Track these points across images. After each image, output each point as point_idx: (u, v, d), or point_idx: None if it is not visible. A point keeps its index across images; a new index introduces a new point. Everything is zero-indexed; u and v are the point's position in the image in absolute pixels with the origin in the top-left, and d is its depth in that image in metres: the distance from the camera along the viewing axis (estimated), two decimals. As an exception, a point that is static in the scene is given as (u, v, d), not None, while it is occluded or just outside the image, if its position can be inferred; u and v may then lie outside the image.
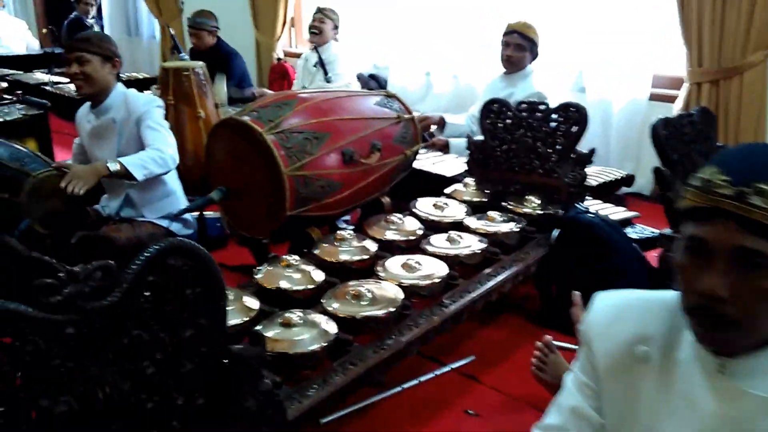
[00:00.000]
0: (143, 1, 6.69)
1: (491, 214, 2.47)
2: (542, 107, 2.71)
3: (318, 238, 2.46)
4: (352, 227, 3.00)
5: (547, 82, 3.55)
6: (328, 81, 3.90)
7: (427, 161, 3.25)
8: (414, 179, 3.02)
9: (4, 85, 5.36)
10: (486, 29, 4.40)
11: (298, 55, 5.62)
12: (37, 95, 5.81)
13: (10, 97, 5.29)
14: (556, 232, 2.45)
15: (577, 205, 2.58)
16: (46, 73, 6.14)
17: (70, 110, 5.49)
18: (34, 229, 2.40)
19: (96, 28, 6.58)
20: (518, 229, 2.42)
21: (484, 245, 2.27)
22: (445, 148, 3.55)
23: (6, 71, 6.68)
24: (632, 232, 2.79)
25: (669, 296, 1.12)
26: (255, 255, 2.78)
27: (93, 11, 6.92)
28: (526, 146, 2.75)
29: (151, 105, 2.79)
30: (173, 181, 2.96)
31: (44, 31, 7.49)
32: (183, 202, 3.03)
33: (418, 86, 4.90)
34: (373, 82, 4.95)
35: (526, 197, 2.63)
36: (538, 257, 2.39)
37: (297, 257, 2.06)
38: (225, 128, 2.48)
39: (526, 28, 3.40)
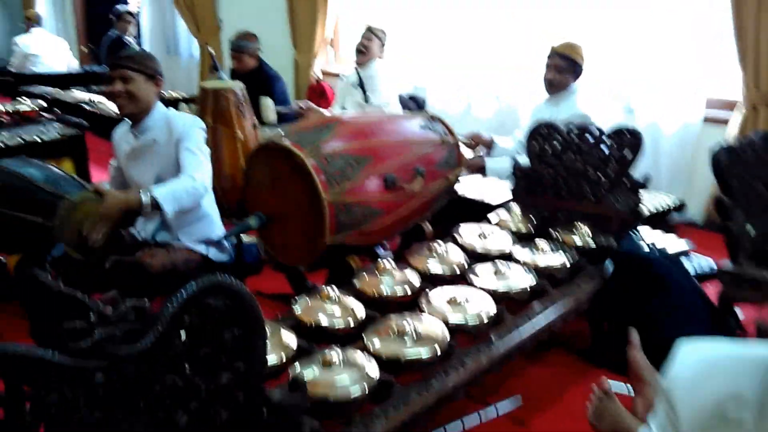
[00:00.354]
0: (182, 20, 6.75)
1: (539, 243, 2.35)
2: (594, 131, 2.60)
3: (357, 268, 2.38)
4: (390, 253, 2.90)
5: (594, 103, 3.42)
6: (366, 101, 3.84)
7: (469, 186, 3.14)
8: (455, 204, 2.91)
9: (43, 103, 5.43)
10: (529, 50, 4.30)
11: (336, 75, 5.60)
12: (76, 114, 5.88)
13: (48, 116, 5.35)
14: (609, 265, 2.32)
15: (632, 235, 2.45)
16: (85, 92, 6.22)
17: (108, 129, 5.53)
18: (68, 255, 2.35)
19: (135, 47, 6.66)
20: (569, 262, 2.30)
21: (533, 279, 2.15)
22: (481, 170, 3.44)
23: (46, 89, 6.79)
24: (688, 265, 2.64)
25: (764, 351, 1.00)
26: (292, 283, 2.71)
27: (132, 29, 7.01)
28: (576, 171, 2.63)
29: (193, 126, 2.74)
30: (209, 205, 2.91)
31: (84, 49, 7.61)
32: (219, 225, 2.97)
33: (458, 108, 4.81)
34: (412, 103, 4.87)
35: (576, 226, 2.50)
36: (590, 291, 2.26)
37: (336, 289, 1.97)
38: (264, 152, 2.42)
39: (568, 48, 3.30)
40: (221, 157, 3.61)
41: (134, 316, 1.07)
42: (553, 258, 2.31)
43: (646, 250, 2.51)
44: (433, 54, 4.99)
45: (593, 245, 2.44)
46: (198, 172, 2.63)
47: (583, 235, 2.48)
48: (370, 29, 4.38)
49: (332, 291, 1.95)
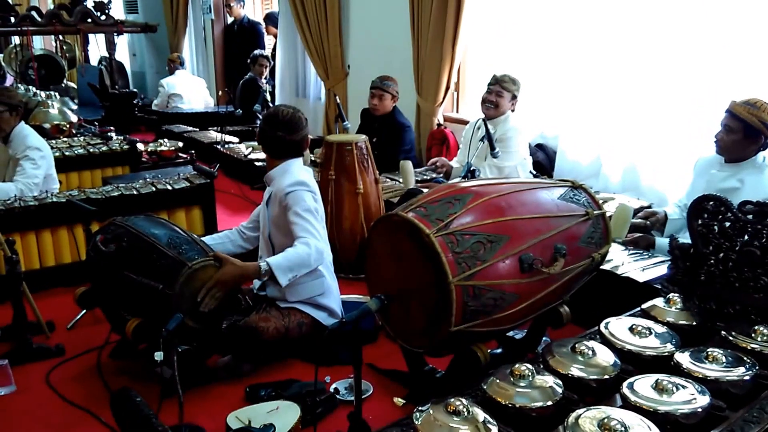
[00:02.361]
0: (312, 65, 6.73)
1: (712, 351, 1.87)
2: (775, 211, 2.09)
3: (485, 360, 2.02)
4: (520, 335, 2.52)
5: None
6: (494, 156, 3.48)
7: (613, 259, 2.69)
8: (596, 280, 2.48)
9: (180, 144, 5.54)
10: (676, 101, 3.74)
11: (458, 121, 5.29)
12: (209, 153, 5.98)
13: (184, 155, 5.45)
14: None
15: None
16: (219, 132, 6.31)
17: (238, 170, 5.59)
18: (184, 324, 2.18)
19: (268, 89, 6.71)
20: (749, 374, 1.80)
21: (706, 399, 1.68)
22: (650, 247, 2.96)
23: (184, 128, 7.00)
24: None
25: None
26: (408, 362, 2.40)
27: (266, 72, 7.10)
28: (752, 258, 2.12)
29: (296, 189, 2.67)
30: (325, 267, 2.71)
31: (220, 93, 7.83)
32: (331, 286, 2.76)
33: (590, 160, 4.30)
34: (540, 153, 4.46)
35: (755, 328, 2.00)
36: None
37: (464, 401, 1.62)
38: (388, 223, 2.13)
39: (744, 108, 2.72)
40: (342, 211, 3.42)
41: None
42: (728, 368, 1.82)
43: None
44: (565, 100, 4.48)
45: (778, 354, 1.93)
46: (312, 237, 2.56)
47: (762, 339, 1.97)
48: (497, 80, 3.90)
49: (459, 403, 1.60)
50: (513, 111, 3.91)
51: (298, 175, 2.68)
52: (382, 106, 4.61)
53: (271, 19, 8.04)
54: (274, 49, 7.82)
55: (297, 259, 2.46)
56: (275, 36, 7.69)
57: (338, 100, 4.24)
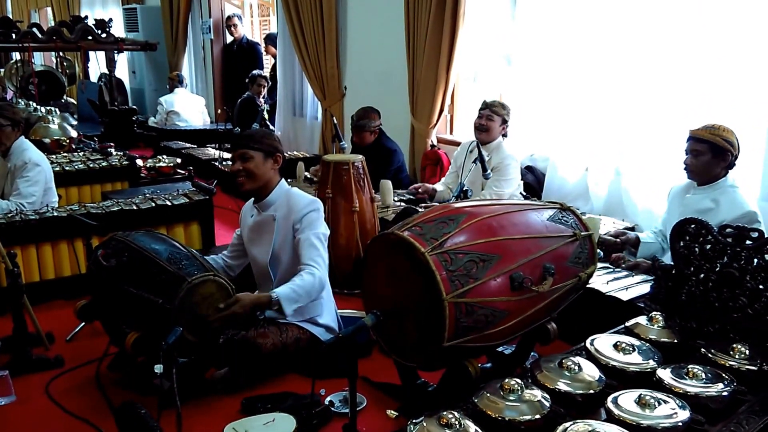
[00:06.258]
0: (309, 85, 6.82)
1: (692, 368, 1.94)
2: (754, 234, 2.17)
3: (476, 374, 2.07)
4: (509, 350, 2.58)
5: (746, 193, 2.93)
6: (486, 178, 3.56)
7: (598, 279, 2.76)
8: (582, 298, 2.54)
9: (178, 161, 5.59)
10: (660, 128, 3.84)
11: (451, 142, 5.38)
12: (207, 170, 6.03)
13: (182, 172, 5.50)
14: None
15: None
16: (216, 149, 6.37)
17: (235, 187, 5.61)
18: (183, 338, 2.22)
19: (266, 108, 6.80)
20: (727, 390, 1.87)
21: (686, 413, 1.74)
22: (651, 271, 3.03)
23: (183, 144, 7.06)
24: None
25: None
26: (401, 376, 2.45)
27: (264, 92, 7.19)
28: (730, 279, 2.20)
29: (312, 209, 2.68)
30: (325, 289, 2.75)
31: (218, 111, 7.91)
32: (329, 306, 2.80)
33: (577, 181, 4.40)
34: (530, 175, 4.54)
35: (733, 346, 2.07)
36: (755, 431, 1.81)
37: (456, 414, 1.67)
38: (384, 242, 2.19)
39: (707, 131, 2.83)
40: (338, 228, 3.47)
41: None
42: (707, 384, 1.89)
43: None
44: (553, 124, 4.58)
45: (754, 369, 2.00)
46: (318, 268, 2.58)
47: (740, 357, 2.03)
48: (488, 105, 4.04)
49: (451, 416, 1.66)
50: (505, 136, 4.00)
51: (304, 194, 2.74)
52: (363, 142, 4.68)
53: (271, 39, 8.16)
54: (272, 69, 7.92)
55: (303, 291, 2.51)
56: (274, 56, 7.79)
57: (335, 121, 4.32)
